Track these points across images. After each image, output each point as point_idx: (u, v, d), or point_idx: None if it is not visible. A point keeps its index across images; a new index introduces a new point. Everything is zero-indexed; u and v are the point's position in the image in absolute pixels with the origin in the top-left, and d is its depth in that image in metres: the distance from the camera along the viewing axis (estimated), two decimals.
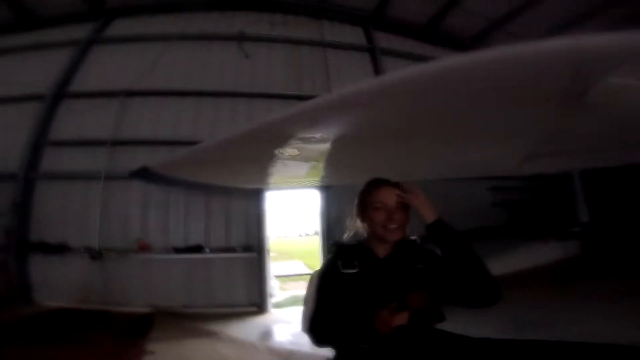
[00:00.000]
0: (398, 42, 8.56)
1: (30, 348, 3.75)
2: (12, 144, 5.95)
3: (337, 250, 1.39)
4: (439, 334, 1.13)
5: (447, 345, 1.05)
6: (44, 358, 3.60)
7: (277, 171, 3.55)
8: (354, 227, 1.44)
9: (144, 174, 3.84)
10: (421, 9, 8.30)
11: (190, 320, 5.20)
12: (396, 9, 8.30)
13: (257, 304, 5.87)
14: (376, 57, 8.02)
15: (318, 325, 1.28)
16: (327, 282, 1.32)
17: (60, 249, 5.72)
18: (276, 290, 6.83)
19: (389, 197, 1.31)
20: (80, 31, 7.30)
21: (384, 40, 8.41)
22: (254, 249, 6.04)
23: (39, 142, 6.09)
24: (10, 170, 5.79)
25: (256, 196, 6.15)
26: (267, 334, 4.77)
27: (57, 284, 5.62)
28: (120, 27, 7.59)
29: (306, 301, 1.40)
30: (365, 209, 1.36)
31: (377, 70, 7.87)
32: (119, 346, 3.97)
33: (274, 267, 7.47)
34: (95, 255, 5.53)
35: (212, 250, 6.03)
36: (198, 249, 6.04)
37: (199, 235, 6.12)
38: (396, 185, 1.36)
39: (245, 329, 4.89)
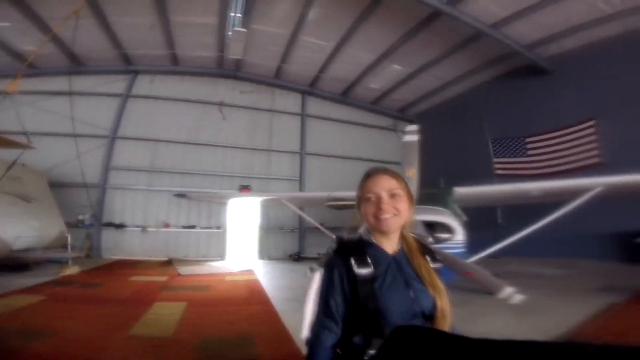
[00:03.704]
0: (321, 106, 13.91)
1: (114, 270, 9.24)
2: (94, 166, 11.04)
3: (343, 247, 1.23)
4: (439, 334, 1.06)
5: (447, 345, 0.99)
6: (126, 269, 8.98)
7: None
8: (358, 220, 1.31)
9: (181, 195, 9.33)
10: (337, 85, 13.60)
11: (189, 262, 10.79)
12: (321, 85, 13.53)
13: (221, 256, 11.63)
14: (304, 120, 13.43)
15: (319, 335, 1.15)
16: (330, 278, 1.17)
17: (121, 226, 11.14)
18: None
19: (378, 186, 1.22)
20: (117, 81, 11.73)
21: (312, 104, 13.72)
22: (221, 228, 11.73)
23: (107, 167, 11.28)
24: (94, 182, 10.96)
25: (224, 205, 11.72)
26: (225, 268, 10.49)
27: (120, 246, 11.03)
28: (142, 81, 12.15)
29: (306, 304, 1.26)
30: (359, 201, 1.27)
31: (303, 128, 13.31)
32: (161, 269, 9.50)
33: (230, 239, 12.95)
34: (143, 229, 11.05)
35: (201, 228, 11.66)
36: (193, 227, 11.64)
37: (194, 219, 11.71)
38: (391, 173, 1.26)
39: (214, 265, 10.54)
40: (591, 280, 6.30)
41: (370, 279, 1.13)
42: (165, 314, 4.55)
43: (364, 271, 1.14)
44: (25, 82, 10.89)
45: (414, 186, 3.22)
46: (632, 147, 8.12)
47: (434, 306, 1.16)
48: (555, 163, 9.86)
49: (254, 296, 5.93)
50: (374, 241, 1.24)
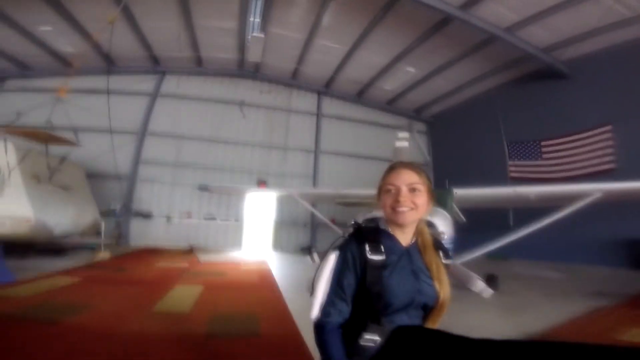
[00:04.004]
0: (336, 106, 14.30)
1: (140, 256, 10.06)
2: (125, 159, 11.95)
3: (360, 232, 1.26)
4: (439, 334, 1.08)
5: (447, 345, 1.01)
6: (150, 257, 9.78)
7: None
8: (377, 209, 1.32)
9: (204, 188, 10.03)
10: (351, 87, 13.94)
11: (208, 251, 11.52)
12: (337, 86, 13.91)
13: (238, 246, 12.30)
14: (319, 120, 13.86)
15: (329, 314, 1.17)
16: (344, 262, 1.21)
17: (149, 216, 12.03)
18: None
19: (399, 179, 1.24)
20: (147, 80, 12.64)
21: (327, 104, 14.13)
22: (239, 221, 12.40)
23: (137, 160, 12.17)
24: (124, 172, 11.86)
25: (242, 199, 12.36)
26: (241, 258, 11.14)
27: (146, 234, 11.94)
28: (170, 81, 13.02)
29: (318, 284, 1.24)
30: (379, 191, 1.30)
31: (318, 127, 13.75)
32: (183, 256, 10.24)
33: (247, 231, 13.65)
34: (168, 219, 11.89)
35: (220, 220, 12.38)
36: (214, 218, 12.38)
37: (215, 211, 12.44)
38: (414, 168, 1.28)
39: (231, 254, 11.21)
40: (587, 285, 6.46)
41: (381, 266, 1.17)
42: (184, 295, 5.15)
43: (375, 258, 1.18)
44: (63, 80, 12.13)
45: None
46: None
47: (436, 299, 1.21)
48: (569, 167, 9.82)
49: (264, 283, 6.47)
50: (390, 231, 1.27)
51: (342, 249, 1.25)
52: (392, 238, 1.26)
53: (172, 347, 3.14)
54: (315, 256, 4.67)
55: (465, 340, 1.02)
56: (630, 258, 8.22)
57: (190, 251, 10.98)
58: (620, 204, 6.42)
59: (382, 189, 1.27)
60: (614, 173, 8.60)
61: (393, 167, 1.29)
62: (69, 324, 3.61)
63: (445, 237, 3.93)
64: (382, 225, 1.29)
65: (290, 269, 8.57)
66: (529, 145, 10.86)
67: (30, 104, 11.23)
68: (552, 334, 3.71)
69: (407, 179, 1.24)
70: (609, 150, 9.06)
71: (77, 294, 4.91)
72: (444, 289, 1.22)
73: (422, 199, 1.23)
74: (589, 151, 9.43)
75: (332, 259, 1.25)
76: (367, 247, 1.19)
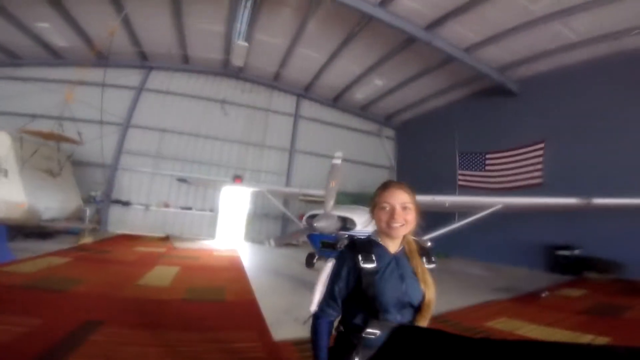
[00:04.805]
0: (314, 109, 15.34)
1: (120, 241, 10.84)
2: (109, 149, 12.51)
3: (353, 245, 1.44)
4: (439, 334, 1.12)
5: (447, 345, 1.05)
6: (130, 242, 10.56)
7: None
8: (370, 222, 1.57)
9: (183, 180, 10.90)
10: (328, 92, 15.00)
11: (184, 239, 12.38)
12: (315, 90, 14.92)
13: (212, 236, 13.23)
14: (296, 121, 14.88)
15: (323, 310, 1.41)
16: (339, 269, 1.40)
17: (127, 204, 12.70)
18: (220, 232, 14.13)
19: (394, 198, 1.41)
20: (134, 74, 13.24)
21: (306, 107, 15.15)
22: (214, 211, 13.31)
23: (120, 150, 12.78)
24: (107, 162, 12.44)
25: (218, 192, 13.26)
26: (214, 246, 12.07)
27: (124, 221, 12.61)
28: (156, 76, 13.66)
29: (320, 280, 1.46)
30: (374, 207, 1.46)
31: (295, 128, 14.77)
32: (159, 243, 11.08)
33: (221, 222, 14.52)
34: (146, 207, 12.63)
35: (196, 210, 13.24)
36: (190, 208, 13.22)
37: (191, 202, 13.28)
38: (405, 188, 1.45)
39: (205, 243, 12.12)
40: (501, 282, 7.70)
41: (373, 272, 1.34)
42: (163, 273, 6.13)
43: (368, 266, 1.34)
44: (51, 71, 12.56)
45: (334, 194, 4.65)
46: (570, 170, 9.36)
47: (422, 298, 1.36)
48: (505, 180, 11.23)
49: (233, 265, 7.55)
50: (380, 242, 1.45)
51: (338, 259, 1.44)
52: (381, 247, 1.43)
53: (157, 307, 4.18)
54: (272, 241, 5.68)
55: (464, 340, 1.06)
56: (544, 261, 9.63)
57: (166, 239, 11.82)
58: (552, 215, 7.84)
59: (378, 206, 1.44)
60: (541, 188, 10.03)
61: (387, 186, 1.47)
62: (73, 292, 4.56)
63: (360, 228, 4.95)
64: (373, 237, 1.48)
65: (258, 256, 9.72)
66: (475, 156, 12.25)
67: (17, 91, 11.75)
68: (439, 317, 4.42)
69: (400, 198, 1.41)
70: (539, 167, 10.50)
71: (72, 271, 5.78)
72: (429, 289, 1.38)
73: (411, 215, 1.42)
74: (523, 166, 10.83)
75: (329, 267, 1.46)
76: (360, 258, 1.36)
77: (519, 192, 10.37)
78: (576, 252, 9.10)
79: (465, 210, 6.59)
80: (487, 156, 11.92)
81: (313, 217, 4.83)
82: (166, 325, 3.60)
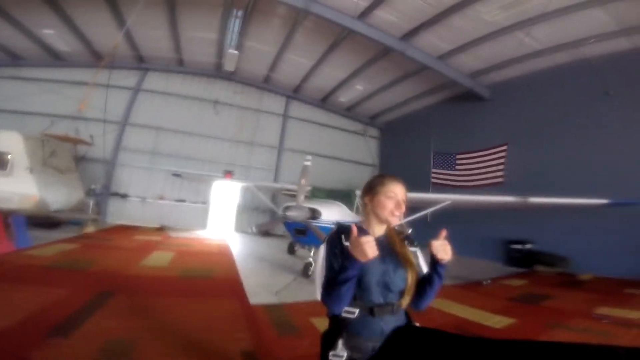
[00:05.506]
0: (302, 110, 16.31)
1: (119, 231, 11.81)
2: (108, 145, 13.37)
3: (340, 229, 1.53)
4: (439, 334, 1.14)
5: (446, 345, 1.06)
6: (128, 231, 11.52)
7: None
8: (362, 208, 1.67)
9: (177, 175, 11.90)
10: (316, 94, 15.97)
11: (177, 230, 13.35)
12: (304, 92, 15.88)
13: (203, 227, 14.24)
14: (285, 121, 15.84)
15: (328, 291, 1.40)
16: (332, 250, 1.47)
17: (125, 196, 13.62)
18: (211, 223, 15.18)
19: (399, 191, 1.55)
20: (131, 76, 14.08)
21: (295, 108, 16.11)
22: (206, 204, 14.31)
23: (118, 147, 13.64)
24: (108, 158, 13.32)
25: (210, 186, 14.23)
26: (204, 235, 13.08)
27: (121, 213, 13.54)
28: (152, 77, 14.49)
29: (318, 268, 1.50)
30: (375, 194, 1.56)
31: (284, 127, 15.74)
32: (156, 232, 12.04)
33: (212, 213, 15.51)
34: (142, 200, 13.57)
35: (190, 202, 14.22)
36: (183, 201, 14.19)
37: (184, 195, 14.25)
38: (404, 185, 1.59)
39: (197, 233, 13.12)
40: (456, 271, 7.83)
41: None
42: (161, 257, 7.15)
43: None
44: (51, 71, 13.33)
45: (304, 190, 5.67)
46: (528, 171, 10.45)
47: (402, 279, 1.46)
48: (472, 178, 12.39)
49: (222, 252, 8.60)
50: (365, 227, 1.58)
51: (329, 241, 1.51)
52: (365, 232, 1.51)
53: (158, 281, 5.22)
54: (253, 227, 6.75)
55: (463, 340, 1.09)
56: (502, 254, 10.65)
57: (161, 229, 12.79)
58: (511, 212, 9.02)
59: (383, 195, 1.54)
60: (502, 186, 11.15)
61: (394, 179, 1.59)
62: (91, 270, 5.56)
63: (325, 219, 5.91)
64: (359, 224, 1.58)
65: (245, 245, 10.81)
66: (447, 156, 13.37)
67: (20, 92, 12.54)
68: None
69: (403, 192, 1.57)
70: (502, 167, 11.66)
71: (83, 255, 6.75)
72: (411, 269, 1.48)
73: (404, 209, 1.57)
74: (488, 166, 12.00)
75: (322, 249, 1.51)
76: (342, 237, 1.46)
77: (484, 190, 11.49)
78: (528, 246, 10.05)
79: (422, 206, 7.64)
80: (458, 156, 13.04)
81: (288, 208, 5.85)
82: (165, 294, 4.64)
